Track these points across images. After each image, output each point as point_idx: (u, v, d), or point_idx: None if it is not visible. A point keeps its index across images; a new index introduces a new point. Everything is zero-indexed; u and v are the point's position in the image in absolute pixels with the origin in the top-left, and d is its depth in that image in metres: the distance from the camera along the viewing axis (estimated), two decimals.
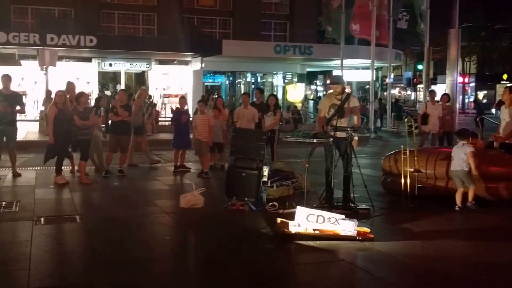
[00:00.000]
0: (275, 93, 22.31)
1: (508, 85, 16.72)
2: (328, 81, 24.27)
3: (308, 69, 23.83)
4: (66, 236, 4.65)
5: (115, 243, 4.35)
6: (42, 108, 13.09)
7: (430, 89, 12.47)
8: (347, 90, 6.10)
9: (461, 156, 5.49)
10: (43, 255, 3.98)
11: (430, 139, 9.40)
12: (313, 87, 30.17)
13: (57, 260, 3.98)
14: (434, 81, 18.92)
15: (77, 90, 8.25)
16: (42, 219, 4.97)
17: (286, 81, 23.22)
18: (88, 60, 18.76)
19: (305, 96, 23.83)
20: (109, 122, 7.91)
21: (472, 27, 31.29)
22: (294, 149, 8.75)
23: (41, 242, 4.26)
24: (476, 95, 38.49)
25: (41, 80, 15.71)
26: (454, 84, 11.65)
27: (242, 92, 19.53)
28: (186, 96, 17.77)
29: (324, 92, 27.88)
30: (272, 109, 8.21)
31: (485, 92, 39.96)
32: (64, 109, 6.82)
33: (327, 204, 5.43)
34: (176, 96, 17.68)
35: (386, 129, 17.58)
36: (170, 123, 8.51)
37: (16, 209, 5.41)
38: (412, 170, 5.72)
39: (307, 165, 5.58)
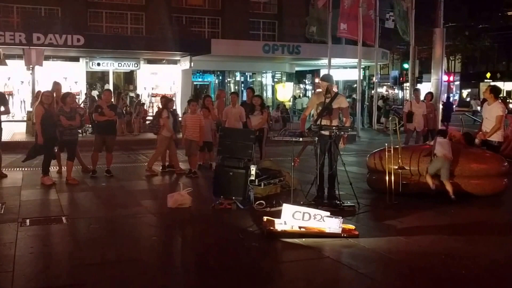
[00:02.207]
0: (264, 92, 22.56)
1: (491, 83, 16.94)
2: (316, 80, 24.47)
3: (297, 68, 23.92)
4: (51, 237, 4.62)
5: (101, 244, 4.34)
6: (30, 109, 12.91)
7: (415, 87, 12.65)
8: (334, 89, 6.18)
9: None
10: (28, 257, 3.95)
11: (414, 137, 9.57)
12: (302, 86, 30.32)
13: (42, 262, 3.95)
14: (419, 80, 19.11)
15: (65, 90, 8.20)
16: (28, 220, 4.92)
17: (276, 80, 23.30)
18: (76, 59, 18.55)
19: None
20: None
21: (457, 26, 31.71)
22: (282, 147, 8.82)
23: (26, 244, 4.22)
24: (460, 93, 39.09)
25: (28, 80, 15.49)
26: (439, 82, 11.81)
27: (232, 91, 19.54)
28: (175, 96, 17.74)
29: (313, 91, 27.99)
30: (259, 109, 8.27)
31: (469, 90, 40.63)
32: (50, 109, 6.78)
33: (315, 202, 5.49)
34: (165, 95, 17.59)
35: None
36: None
37: (1, 211, 5.36)
38: (396, 167, 5.83)
39: (293, 163, 5.65)
